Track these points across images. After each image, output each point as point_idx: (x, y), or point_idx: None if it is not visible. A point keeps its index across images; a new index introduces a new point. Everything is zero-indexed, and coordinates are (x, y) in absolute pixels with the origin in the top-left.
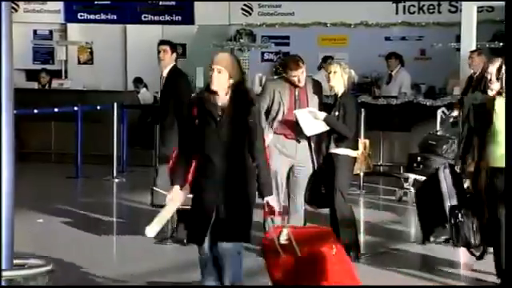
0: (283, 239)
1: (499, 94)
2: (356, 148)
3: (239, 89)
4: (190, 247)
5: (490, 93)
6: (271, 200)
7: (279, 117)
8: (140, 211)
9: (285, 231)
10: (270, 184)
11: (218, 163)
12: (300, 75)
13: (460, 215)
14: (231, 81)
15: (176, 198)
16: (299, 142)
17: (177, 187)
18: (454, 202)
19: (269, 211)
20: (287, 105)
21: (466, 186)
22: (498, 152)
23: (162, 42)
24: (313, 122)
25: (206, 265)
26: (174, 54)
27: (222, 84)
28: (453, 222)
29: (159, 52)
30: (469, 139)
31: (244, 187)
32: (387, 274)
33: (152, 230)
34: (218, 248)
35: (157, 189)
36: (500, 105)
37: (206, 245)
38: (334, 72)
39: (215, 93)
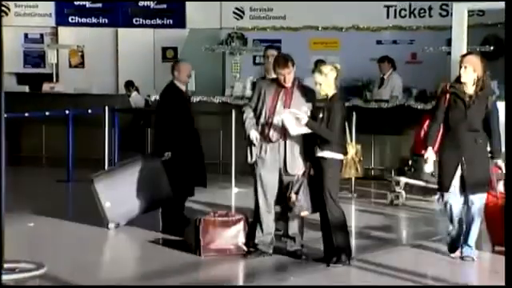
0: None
1: None
2: (343, 151)
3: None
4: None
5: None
6: (500, 162)
7: (262, 117)
8: None
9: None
10: (500, 148)
11: (462, 135)
12: (286, 75)
13: None
14: (475, 74)
15: (431, 156)
16: (282, 143)
17: (430, 148)
18: None
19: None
20: (269, 104)
21: None
22: None
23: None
24: (295, 123)
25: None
26: None
27: (469, 77)
28: None
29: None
30: None
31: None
32: (378, 278)
33: (429, 167)
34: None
35: None
36: None
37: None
38: (325, 74)
39: (464, 83)
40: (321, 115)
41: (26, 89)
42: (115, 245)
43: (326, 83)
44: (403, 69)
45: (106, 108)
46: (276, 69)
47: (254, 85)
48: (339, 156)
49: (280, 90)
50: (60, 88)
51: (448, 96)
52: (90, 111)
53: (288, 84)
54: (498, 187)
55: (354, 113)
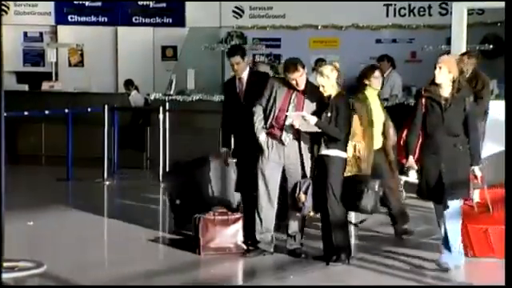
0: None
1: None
2: (346, 150)
3: (458, 83)
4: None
5: None
6: (477, 170)
7: (271, 116)
8: (131, 213)
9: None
10: (479, 155)
11: (440, 140)
12: (298, 78)
13: None
14: (450, 75)
15: (412, 165)
16: (283, 143)
17: (411, 157)
18: None
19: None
20: (279, 105)
21: None
22: None
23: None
24: (305, 124)
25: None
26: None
27: (444, 78)
28: None
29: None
30: None
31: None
32: (378, 277)
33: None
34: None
35: None
36: None
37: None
38: (327, 76)
39: (439, 85)
40: (329, 114)
41: (26, 87)
42: (115, 244)
43: (328, 85)
44: (403, 67)
45: (106, 107)
46: (287, 75)
47: (223, 87)
48: (344, 154)
49: (292, 91)
50: (59, 87)
51: (424, 100)
52: (89, 110)
53: (301, 87)
54: (474, 196)
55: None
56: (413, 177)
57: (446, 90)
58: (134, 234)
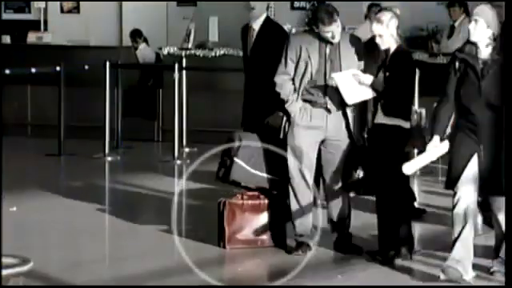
0: None
1: None
2: (409, 118)
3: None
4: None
5: None
6: None
7: (305, 80)
8: (139, 197)
9: None
10: None
11: (479, 116)
12: (335, 30)
13: None
14: (489, 31)
15: (438, 146)
16: (329, 111)
17: (437, 137)
18: None
19: None
20: (315, 65)
21: None
22: None
23: None
24: (356, 87)
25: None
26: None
27: (481, 35)
28: None
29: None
30: None
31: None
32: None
33: (409, 168)
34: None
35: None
36: None
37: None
38: (386, 24)
39: (475, 44)
40: (387, 73)
41: (7, 39)
42: (117, 235)
43: (387, 34)
44: None
45: (107, 63)
46: (320, 27)
47: (242, 32)
48: (406, 124)
49: (325, 45)
50: (49, 38)
51: (457, 64)
52: (86, 67)
53: (337, 40)
54: None
55: (417, 69)
56: (408, 169)
57: (483, 51)
58: (141, 223)
